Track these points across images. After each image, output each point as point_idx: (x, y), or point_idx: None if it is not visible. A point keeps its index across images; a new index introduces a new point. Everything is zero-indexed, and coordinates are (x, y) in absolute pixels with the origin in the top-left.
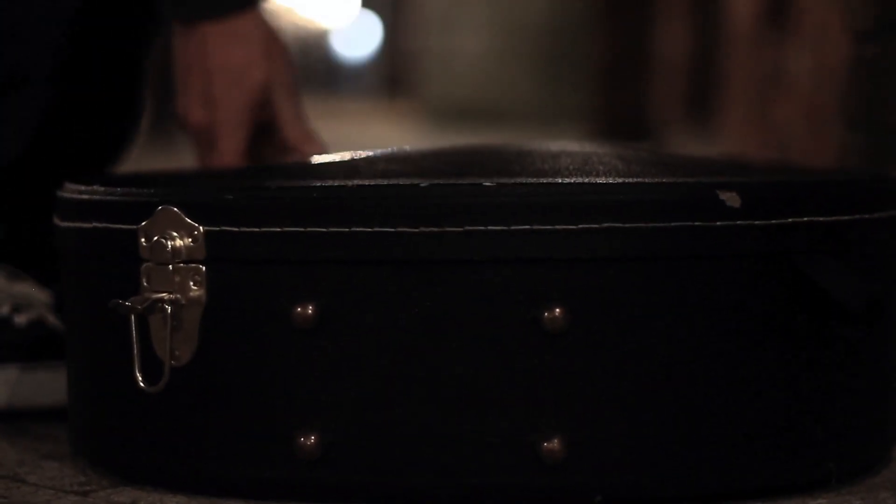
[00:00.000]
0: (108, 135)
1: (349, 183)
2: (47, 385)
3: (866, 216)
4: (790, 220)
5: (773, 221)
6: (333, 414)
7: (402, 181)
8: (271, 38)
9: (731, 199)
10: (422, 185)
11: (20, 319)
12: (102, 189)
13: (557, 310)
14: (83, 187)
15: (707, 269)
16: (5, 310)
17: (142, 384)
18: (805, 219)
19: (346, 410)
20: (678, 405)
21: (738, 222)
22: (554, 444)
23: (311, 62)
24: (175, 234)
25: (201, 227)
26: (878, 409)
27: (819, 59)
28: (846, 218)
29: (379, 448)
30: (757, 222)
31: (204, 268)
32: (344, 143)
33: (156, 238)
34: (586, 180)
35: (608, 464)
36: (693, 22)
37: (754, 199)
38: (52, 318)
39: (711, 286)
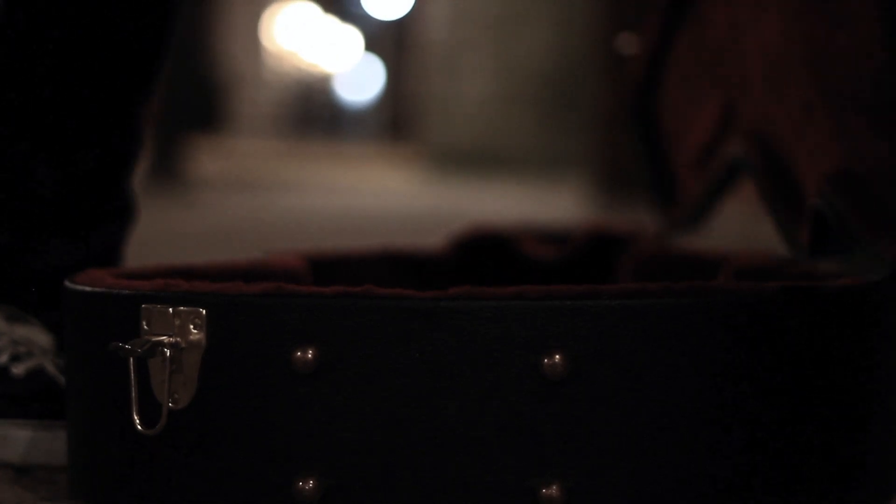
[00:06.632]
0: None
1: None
2: (43, 443)
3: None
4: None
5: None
6: (332, 458)
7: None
8: None
9: None
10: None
11: (17, 370)
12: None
13: (557, 356)
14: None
15: (707, 317)
16: (3, 359)
17: (139, 427)
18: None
19: (345, 455)
20: (677, 452)
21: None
22: (553, 490)
23: (314, 106)
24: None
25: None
26: (880, 459)
27: None
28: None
29: (378, 492)
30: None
31: (204, 311)
32: (346, 187)
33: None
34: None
35: None
36: None
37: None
38: (51, 367)
39: (711, 334)
